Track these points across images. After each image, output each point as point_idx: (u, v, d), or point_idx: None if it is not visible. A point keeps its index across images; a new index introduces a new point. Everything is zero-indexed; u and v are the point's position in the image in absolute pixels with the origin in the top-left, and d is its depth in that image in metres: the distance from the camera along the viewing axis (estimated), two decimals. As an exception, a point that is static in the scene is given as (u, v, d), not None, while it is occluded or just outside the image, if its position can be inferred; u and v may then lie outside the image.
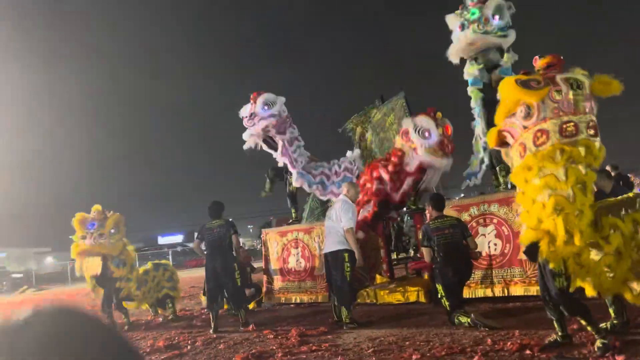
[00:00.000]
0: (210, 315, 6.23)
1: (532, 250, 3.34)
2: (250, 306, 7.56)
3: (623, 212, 3.46)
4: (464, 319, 4.71)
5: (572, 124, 3.23)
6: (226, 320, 6.76)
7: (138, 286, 7.54)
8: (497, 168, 6.97)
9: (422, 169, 6.82)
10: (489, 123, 6.95)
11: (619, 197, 3.75)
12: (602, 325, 3.84)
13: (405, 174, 6.90)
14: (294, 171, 8.04)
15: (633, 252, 3.27)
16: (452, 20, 6.93)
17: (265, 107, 7.91)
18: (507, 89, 3.37)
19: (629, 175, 11.13)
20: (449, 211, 6.29)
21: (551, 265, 3.28)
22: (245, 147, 8.15)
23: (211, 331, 6.06)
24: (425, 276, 6.79)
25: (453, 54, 7.00)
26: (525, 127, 3.34)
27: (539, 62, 3.71)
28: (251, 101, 7.98)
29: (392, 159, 7.08)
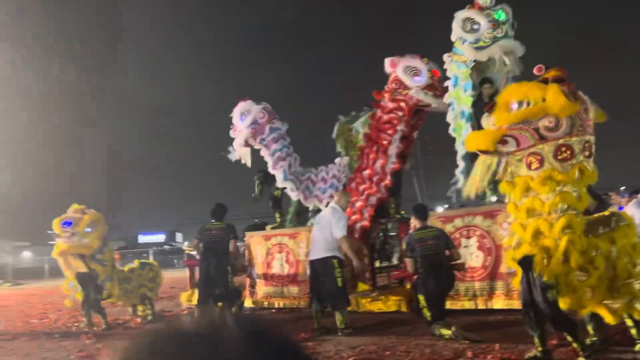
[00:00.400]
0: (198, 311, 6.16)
1: (527, 262, 3.35)
2: (232, 309, 7.49)
3: (601, 230, 3.52)
4: (445, 332, 4.71)
5: (590, 144, 3.28)
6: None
7: (120, 284, 7.42)
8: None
9: (415, 111, 6.87)
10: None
11: (596, 216, 3.80)
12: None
13: (399, 119, 6.93)
14: (277, 172, 8.05)
15: (609, 271, 3.32)
16: (473, 14, 6.23)
17: (242, 117, 8.06)
18: (553, 96, 3.21)
19: (608, 194, 11.22)
20: (433, 222, 6.31)
21: (545, 278, 3.27)
22: (231, 158, 8.27)
23: None
24: (407, 286, 6.80)
25: (478, 54, 6.31)
26: (543, 138, 3.28)
27: (550, 73, 3.51)
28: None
29: (383, 106, 7.08)
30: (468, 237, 6.24)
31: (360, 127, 8.02)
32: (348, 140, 8.45)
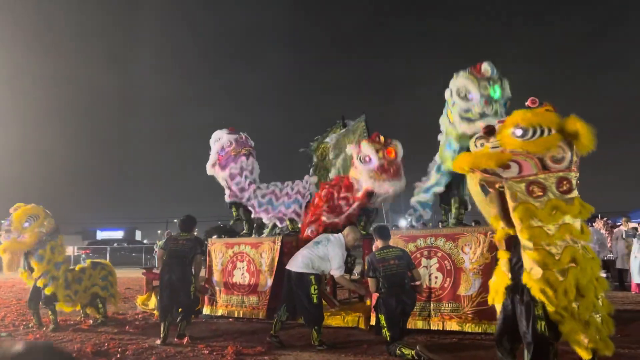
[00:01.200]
0: (162, 326, 5.90)
1: (517, 288, 3.47)
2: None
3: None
4: (406, 351, 4.75)
5: (577, 181, 3.36)
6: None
7: (68, 285, 7.10)
8: (452, 201, 7.03)
9: (369, 194, 6.96)
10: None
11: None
12: None
13: (353, 199, 7.04)
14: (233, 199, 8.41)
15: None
16: (469, 84, 6.08)
17: (215, 143, 8.47)
18: (584, 132, 3.21)
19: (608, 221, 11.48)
20: (396, 240, 6.41)
21: (550, 310, 3.29)
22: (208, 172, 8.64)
23: (158, 342, 5.80)
24: (367, 302, 6.85)
25: (464, 126, 6.12)
26: (546, 168, 3.31)
27: (543, 108, 3.42)
28: None
29: (344, 183, 7.20)
30: (429, 258, 6.34)
31: (334, 140, 8.15)
32: (320, 158, 8.58)
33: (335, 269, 5.70)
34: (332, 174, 8.22)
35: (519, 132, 3.31)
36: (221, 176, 8.38)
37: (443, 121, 6.69)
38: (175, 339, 5.90)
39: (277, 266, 7.33)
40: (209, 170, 8.53)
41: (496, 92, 6.00)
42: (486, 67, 6.09)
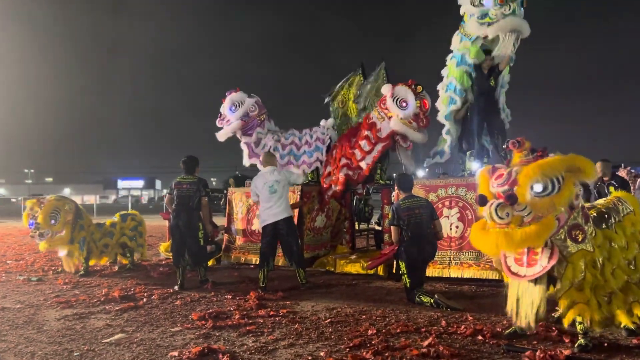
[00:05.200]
0: (177, 272, 6.10)
1: None
2: (210, 263, 7.53)
3: (612, 220, 3.61)
4: (426, 299, 4.83)
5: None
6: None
7: (101, 237, 7.57)
8: (468, 153, 7.04)
9: (393, 137, 6.87)
10: (484, 115, 6.83)
11: (601, 203, 3.88)
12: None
13: (377, 139, 6.94)
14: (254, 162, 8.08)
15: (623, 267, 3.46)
16: None
17: (233, 108, 7.90)
18: (587, 167, 3.25)
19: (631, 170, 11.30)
20: (417, 190, 6.38)
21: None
22: (219, 139, 8.14)
23: (176, 287, 5.97)
24: (385, 250, 6.91)
25: (483, 30, 6.24)
26: (572, 208, 3.35)
27: (525, 145, 3.41)
28: (223, 101, 8.01)
29: (364, 122, 7.09)
30: (450, 208, 6.32)
31: (363, 96, 7.99)
32: (341, 106, 8.40)
33: (295, 178, 6.46)
34: (353, 121, 8.14)
35: (539, 188, 3.17)
36: (244, 141, 8.06)
37: (447, 64, 6.75)
38: (200, 285, 6.09)
39: (299, 216, 7.40)
40: (225, 136, 8.04)
41: None
42: None
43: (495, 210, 3.20)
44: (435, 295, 4.83)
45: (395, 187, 5.66)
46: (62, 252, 7.34)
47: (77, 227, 7.28)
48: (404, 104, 6.58)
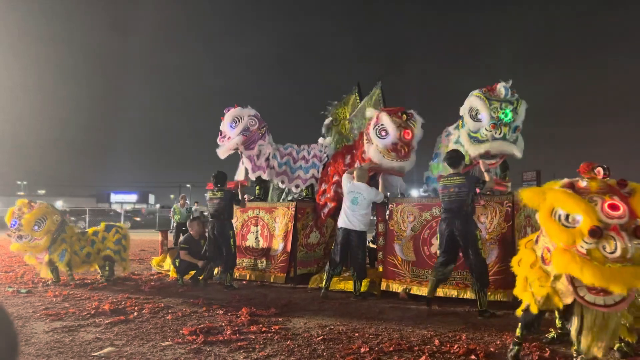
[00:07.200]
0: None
1: None
2: (200, 278, 7.48)
3: None
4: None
5: None
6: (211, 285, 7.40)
7: (83, 246, 7.54)
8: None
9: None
10: None
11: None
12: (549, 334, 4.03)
13: (362, 162, 7.00)
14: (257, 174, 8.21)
15: None
16: (479, 104, 6.01)
17: (233, 125, 7.92)
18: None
19: None
20: (410, 208, 6.45)
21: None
22: (220, 156, 8.16)
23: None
24: (380, 268, 6.89)
25: (471, 147, 6.12)
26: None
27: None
28: (222, 119, 8.07)
29: (359, 147, 7.14)
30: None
31: (356, 119, 8.06)
32: (337, 125, 8.41)
33: (380, 198, 6.72)
34: (348, 140, 8.17)
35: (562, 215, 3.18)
36: (247, 155, 8.03)
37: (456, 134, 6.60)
38: (224, 290, 6.88)
39: (292, 232, 7.39)
40: (227, 152, 8.02)
41: (507, 115, 5.84)
42: (500, 89, 5.99)
43: (582, 240, 2.97)
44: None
45: (445, 163, 5.77)
46: (40, 259, 7.32)
47: (58, 240, 7.26)
48: (383, 134, 6.56)
